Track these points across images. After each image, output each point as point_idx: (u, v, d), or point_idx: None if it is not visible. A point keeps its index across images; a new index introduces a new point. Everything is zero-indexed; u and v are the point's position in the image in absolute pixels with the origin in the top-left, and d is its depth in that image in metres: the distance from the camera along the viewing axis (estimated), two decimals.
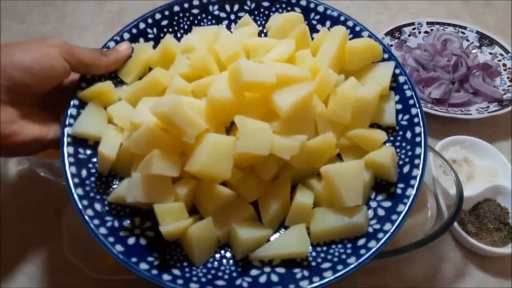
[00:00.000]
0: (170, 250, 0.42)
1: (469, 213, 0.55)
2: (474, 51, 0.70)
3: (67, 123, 0.44)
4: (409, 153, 0.44)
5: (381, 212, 0.43)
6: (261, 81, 0.41)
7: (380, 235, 0.40)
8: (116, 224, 0.42)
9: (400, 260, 0.52)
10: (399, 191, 0.43)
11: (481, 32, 0.71)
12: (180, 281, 0.39)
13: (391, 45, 0.71)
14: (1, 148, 0.41)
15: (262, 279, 0.40)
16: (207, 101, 0.43)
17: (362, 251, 0.40)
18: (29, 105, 0.43)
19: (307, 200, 0.43)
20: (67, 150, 0.43)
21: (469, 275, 0.51)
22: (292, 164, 0.42)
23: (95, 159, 0.45)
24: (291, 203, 0.43)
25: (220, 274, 0.41)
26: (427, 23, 0.73)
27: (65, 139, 0.43)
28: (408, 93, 0.47)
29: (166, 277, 0.39)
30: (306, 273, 0.40)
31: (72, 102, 0.45)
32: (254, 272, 0.41)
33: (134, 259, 0.40)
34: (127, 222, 0.43)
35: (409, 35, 0.73)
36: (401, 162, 0.44)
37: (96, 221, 0.41)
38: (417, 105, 0.47)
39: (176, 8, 0.51)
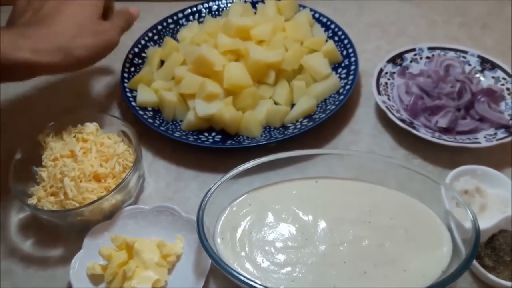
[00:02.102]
0: None
1: (485, 246, 0.54)
2: (476, 75, 0.70)
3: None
4: (344, 52, 0.74)
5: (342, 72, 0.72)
6: (241, 24, 0.71)
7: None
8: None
9: None
10: (346, 62, 0.73)
11: (482, 56, 0.71)
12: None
13: (393, 73, 0.71)
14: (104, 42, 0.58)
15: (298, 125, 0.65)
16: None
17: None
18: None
19: (301, 83, 0.68)
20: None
21: None
22: (282, 67, 0.68)
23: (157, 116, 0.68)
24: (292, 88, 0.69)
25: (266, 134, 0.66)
26: (428, 48, 0.73)
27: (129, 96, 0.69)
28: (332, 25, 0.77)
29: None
30: (322, 114, 0.65)
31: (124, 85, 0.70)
32: (291, 125, 0.66)
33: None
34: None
35: (410, 61, 0.72)
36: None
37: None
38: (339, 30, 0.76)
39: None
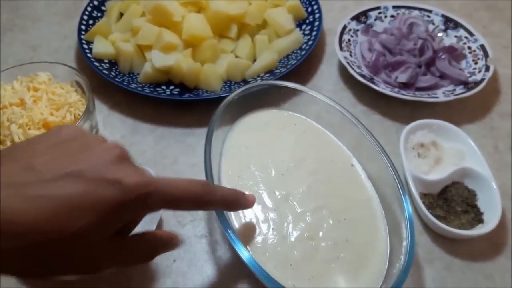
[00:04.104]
0: None
1: (438, 197, 0.54)
2: (439, 34, 0.70)
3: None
4: (309, 9, 0.73)
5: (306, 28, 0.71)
6: None
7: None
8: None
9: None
10: (311, 18, 0.72)
11: (446, 16, 0.71)
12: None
13: (357, 30, 0.70)
14: None
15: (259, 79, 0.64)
16: None
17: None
18: None
19: (263, 38, 0.67)
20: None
21: (438, 259, 0.50)
22: (245, 21, 0.67)
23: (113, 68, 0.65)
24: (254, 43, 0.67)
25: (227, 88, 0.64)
26: (393, 7, 0.73)
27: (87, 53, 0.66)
28: None
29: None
30: (283, 69, 0.64)
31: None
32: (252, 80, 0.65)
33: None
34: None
35: (375, 20, 0.72)
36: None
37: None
38: None
39: None
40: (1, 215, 0.27)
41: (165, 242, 0.37)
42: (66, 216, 0.28)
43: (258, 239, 0.46)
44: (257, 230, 0.46)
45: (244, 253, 0.41)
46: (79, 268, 0.32)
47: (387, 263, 0.46)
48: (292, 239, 0.46)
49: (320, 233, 0.47)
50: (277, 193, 0.49)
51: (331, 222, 0.47)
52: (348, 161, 0.53)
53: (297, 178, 0.51)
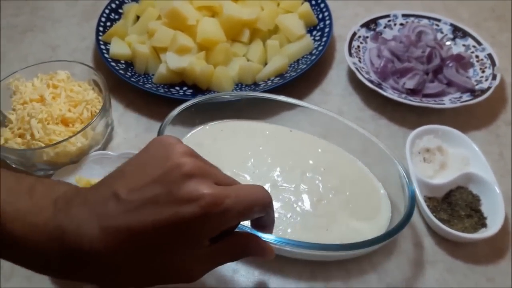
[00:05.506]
0: None
1: (442, 201, 0.55)
2: (448, 43, 0.71)
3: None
4: (320, 16, 0.75)
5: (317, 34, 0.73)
6: None
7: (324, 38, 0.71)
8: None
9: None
10: (322, 25, 0.73)
11: (454, 25, 0.72)
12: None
13: (367, 37, 0.72)
14: None
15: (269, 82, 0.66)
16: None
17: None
18: None
19: (275, 43, 0.69)
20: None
21: (441, 261, 0.51)
22: (257, 26, 0.69)
23: (129, 69, 0.68)
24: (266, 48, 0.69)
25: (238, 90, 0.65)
26: (403, 15, 0.74)
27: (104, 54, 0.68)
28: None
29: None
30: (293, 73, 0.66)
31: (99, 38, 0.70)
32: (262, 83, 0.67)
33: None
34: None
35: (384, 27, 0.73)
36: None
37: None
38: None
39: None
40: (82, 240, 0.31)
41: (255, 249, 0.37)
42: (143, 243, 0.31)
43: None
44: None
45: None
46: (173, 279, 0.34)
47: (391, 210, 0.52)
48: (306, 209, 0.51)
49: (328, 194, 0.53)
50: (266, 186, 0.52)
51: (330, 185, 0.53)
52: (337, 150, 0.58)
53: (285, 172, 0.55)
